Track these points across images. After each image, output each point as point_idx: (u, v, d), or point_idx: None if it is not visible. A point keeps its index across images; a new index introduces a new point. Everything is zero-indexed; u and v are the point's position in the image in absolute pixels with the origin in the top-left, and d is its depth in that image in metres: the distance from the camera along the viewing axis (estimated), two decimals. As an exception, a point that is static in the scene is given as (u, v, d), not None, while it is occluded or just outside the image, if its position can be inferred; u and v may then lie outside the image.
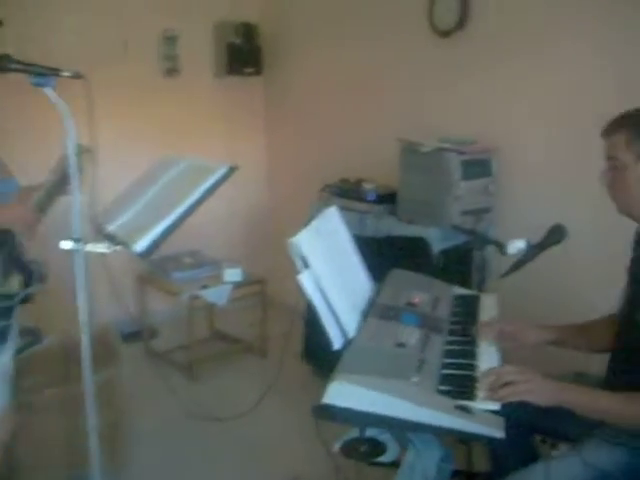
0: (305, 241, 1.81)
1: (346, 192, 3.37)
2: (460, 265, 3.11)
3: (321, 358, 3.61)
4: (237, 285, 3.71)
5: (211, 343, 4.08)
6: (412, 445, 1.95)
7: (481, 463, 2.51)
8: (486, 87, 3.18)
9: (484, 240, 2.15)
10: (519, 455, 2.00)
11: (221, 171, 1.90)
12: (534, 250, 2.00)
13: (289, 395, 3.41)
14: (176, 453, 3.00)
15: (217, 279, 3.69)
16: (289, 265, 4.34)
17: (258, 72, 4.27)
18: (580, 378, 2.01)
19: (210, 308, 4.04)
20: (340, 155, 3.96)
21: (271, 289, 3.98)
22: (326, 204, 3.39)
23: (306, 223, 3.28)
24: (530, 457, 2.06)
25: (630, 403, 1.62)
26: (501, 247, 2.05)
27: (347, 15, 3.86)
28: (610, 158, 1.73)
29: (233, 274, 3.69)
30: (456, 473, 2.18)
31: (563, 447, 2.15)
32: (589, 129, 2.66)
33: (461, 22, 3.18)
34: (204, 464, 2.92)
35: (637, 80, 2.57)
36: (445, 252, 3.00)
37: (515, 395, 1.59)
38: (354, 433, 1.95)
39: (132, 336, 3.92)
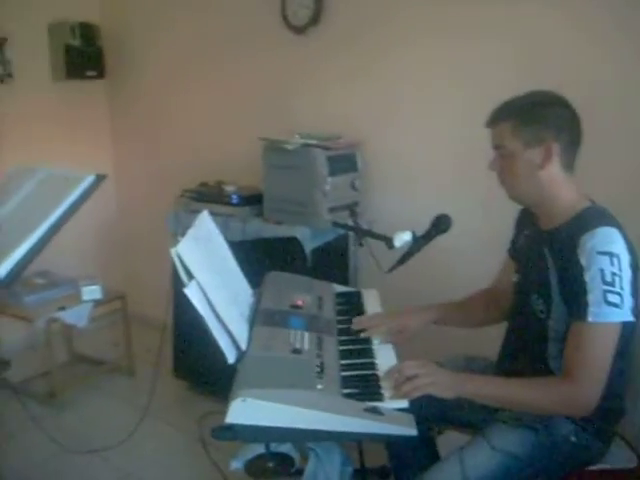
0: (186, 251, 1.69)
1: (207, 196, 3.25)
2: (334, 262, 3.10)
3: (195, 372, 3.49)
4: (96, 303, 3.47)
5: (73, 367, 3.78)
6: (313, 453, 1.89)
7: (372, 458, 2.51)
8: (345, 82, 3.16)
9: (370, 235, 2.11)
10: (419, 447, 2.00)
11: (87, 181, 1.72)
12: (420, 241, 2.00)
13: (166, 414, 3.25)
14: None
15: (75, 299, 3.42)
16: (149, 277, 4.16)
17: (101, 75, 4.01)
18: (471, 362, 2.04)
19: (68, 330, 3.75)
20: (198, 158, 3.80)
21: (132, 304, 3.76)
22: (185, 210, 3.27)
23: (173, 231, 3.19)
24: (429, 448, 2.07)
25: (529, 390, 1.64)
26: (387, 241, 2.03)
27: (197, 11, 3.70)
28: (497, 147, 1.75)
29: (92, 292, 3.44)
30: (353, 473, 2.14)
31: (453, 434, 2.20)
32: (455, 118, 2.80)
33: (315, 18, 3.14)
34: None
35: (505, 70, 2.65)
36: (317, 250, 2.96)
37: (419, 389, 1.58)
38: (251, 449, 1.85)
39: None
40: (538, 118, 1.68)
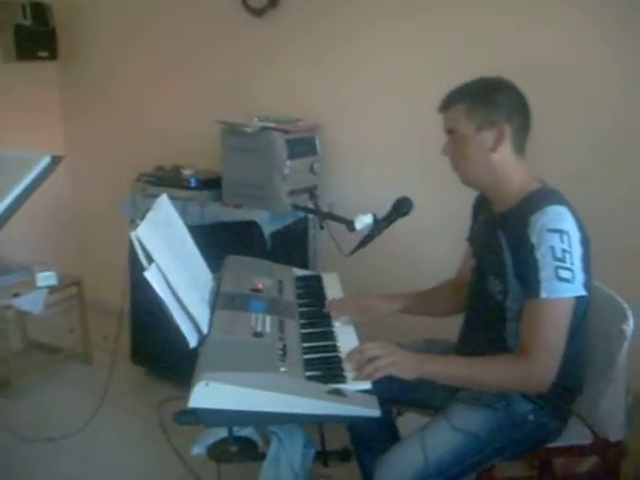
0: (146, 234, 1.66)
1: (164, 180, 3.19)
2: (293, 246, 3.09)
3: (152, 357, 3.46)
4: (51, 289, 3.40)
5: (27, 355, 3.69)
6: (275, 437, 1.89)
7: (333, 440, 2.53)
8: (304, 66, 3.14)
9: (331, 218, 2.11)
10: (380, 429, 2.02)
11: (43, 162, 1.67)
12: (381, 224, 2.00)
13: (125, 400, 3.20)
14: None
15: (29, 285, 3.35)
16: (105, 262, 4.10)
17: (53, 56, 3.89)
18: (430, 344, 2.06)
19: (22, 317, 3.67)
20: (155, 142, 3.73)
21: (87, 290, 3.70)
22: (142, 194, 3.22)
23: (129, 216, 3.14)
24: (390, 429, 2.09)
25: (488, 368, 1.67)
26: (349, 223, 2.03)
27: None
28: (450, 131, 1.77)
29: (47, 278, 3.37)
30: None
31: (412, 415, 2.23)
32: (414, 102, 2.80)
33: (273, 0, 3.11)
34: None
35: (460, 59, 2.66)
36: (277, 234, 2.95)
37: (381, 370, 1.59)
38: (213, 434, 1.85)
39: None
40: (490, 101, 1.71)
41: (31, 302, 3.27)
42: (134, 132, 3.92)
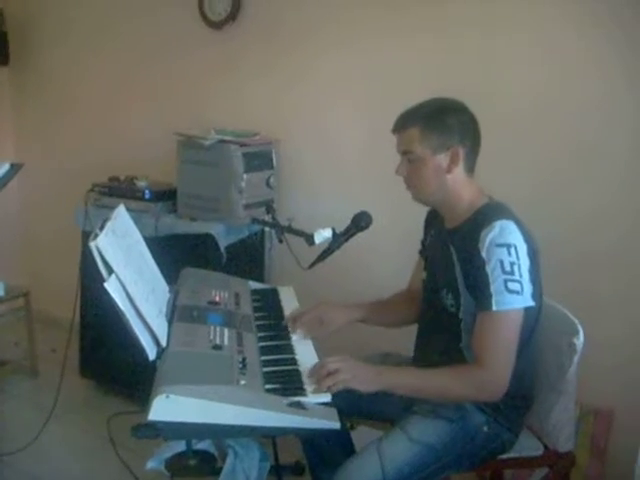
0: (106, 244, 1.64)
1: (118, 191, 3.16)
2: (249, 259, 3.09)
3: (102, 371, 3.40)
4: (-2, 301, 3.33)
5: (-30, 369, 3.61)
6: (232, 450, 1.87)
7: (286, 454, 2.52)
8: (262, 79, 3.16)
9: (290, 231, 2.12)
10: (336, 442, 2.03)
11: (2, 169, 1.64)
12: (340, 239, 2.02)
13: (74, 415, 3.13)
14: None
15: (-25, 297, 3.27)
16: (54, 274, 4.02)
17: (4, 62, 3.84)
18: (386, 358, 2.09)
19: (-34, 329, 3.57)
20: (109, 153, 3.69)
21: (35, 302, 3.61)
22: (95, 205, 3.18)
23: (82, 227, 3.09)
24: (345, 442, 2.10)
25: (444, 377, 1.71)
26: (308, 237, 2.04)
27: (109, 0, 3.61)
28: (405, 152, 1.81)
29: (-6, 289, 3.29)
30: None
31: (366, 429, 2.24)
32: (372, 117, 2.83)
33: (232, 14, 3.12)
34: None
35: (420, 71, 2.71)
36: (232, 247, 2.94)
37: (340, 383, 1.61)
38: (169, 448, 1.83)
39: None
40: (444, 125, 1.76)
41: (-23, 314, 3.19)
42: (88, 141, 3.86)
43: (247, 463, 1.90)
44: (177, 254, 2.85)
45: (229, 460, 1.87)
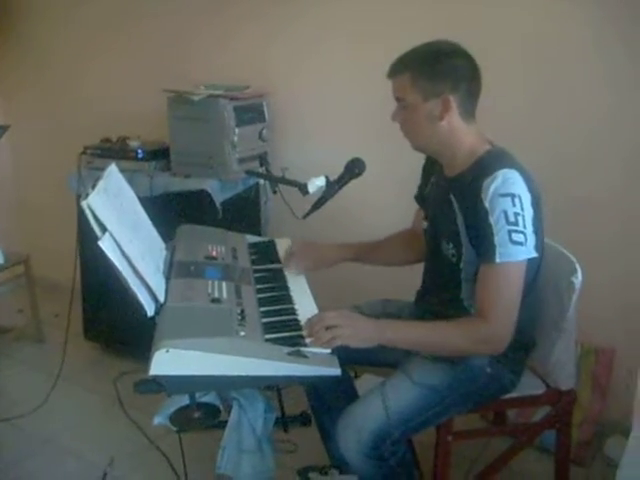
0: (97, 203, 1.62)
1: (110, 152, 3.13)
2: (245, 214, 3.08)
3: (105, 333, 3.42)
4: (-2, 268, 3.32)
5: (-25, 336, 3.62)
6: (236, 402, 1.89)
7: (292, 405, 2.55)
8: (251, 29, 3.10)
9: (283, 182, 2.10)
10: (339, 389, 2.04)
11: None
12: (334, 186, 2.00)
13: (80, 377, 3.16)
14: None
15: (-27, 265, 3.26)
16: (52, 239, 4.01)
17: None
18: (387, 304, 2.09)
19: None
20: (99, 114, 3.62)
21: (35, 267, 3.61)
22: (88, 167, 3.15)
23: (76, 191, 3.07)
24: (349, 390, 2.11)
25: (447, 331, 1.69)
26: (301, 187, 2.02)
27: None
28: (398, 99, 1.77)
29: (-8, 257, 3.28)
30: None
31: (370, 377, 2.26)
32: (366, 66, 2.77)
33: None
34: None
35: (414, 22, 2.65)
36: (228, 202, 2.93)
37: (339, 338, 1.59)
38: (174, 403, 1.84)
39: None
40: (435, 71, 1.70)
41: (-23, 281, 3.19)
42: (78, 103, 3.81)
43: (252, 414, 1.91)
44: (173, 212, 2.85)
45: (234, 412, 1.89)
